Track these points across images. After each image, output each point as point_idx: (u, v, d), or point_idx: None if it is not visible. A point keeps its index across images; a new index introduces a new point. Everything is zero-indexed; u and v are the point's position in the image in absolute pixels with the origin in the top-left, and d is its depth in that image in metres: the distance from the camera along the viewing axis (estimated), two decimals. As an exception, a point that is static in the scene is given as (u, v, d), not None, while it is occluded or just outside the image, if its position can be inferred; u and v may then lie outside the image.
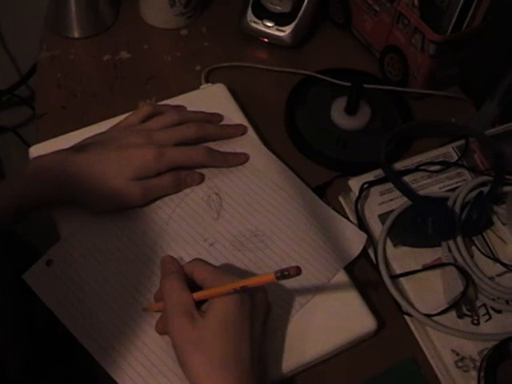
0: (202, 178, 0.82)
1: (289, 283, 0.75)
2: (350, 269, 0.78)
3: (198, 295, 0.66)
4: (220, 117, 0.88)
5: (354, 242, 0.80)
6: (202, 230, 0.79)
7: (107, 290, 0.74)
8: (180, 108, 0.88)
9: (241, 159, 0.84)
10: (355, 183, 0.83)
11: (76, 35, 1.02)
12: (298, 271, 0.60)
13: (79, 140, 0.82)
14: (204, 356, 0.63)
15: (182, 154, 0.81)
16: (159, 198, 0.81)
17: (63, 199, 0.78)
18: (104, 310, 0.73)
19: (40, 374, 0.74)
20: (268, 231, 0.79)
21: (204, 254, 0.77)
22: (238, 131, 0.87)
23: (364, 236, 0.80)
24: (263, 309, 0.70)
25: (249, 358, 0.65)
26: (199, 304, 0.67)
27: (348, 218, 0.83)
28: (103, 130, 0.84)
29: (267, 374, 0.70)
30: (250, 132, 0.87)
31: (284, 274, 0.60)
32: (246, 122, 0.88)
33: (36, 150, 0.84)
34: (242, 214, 0.80)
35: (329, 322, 0.73)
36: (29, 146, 0.85)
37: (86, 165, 0.76)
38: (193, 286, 0.68)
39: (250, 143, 0.86)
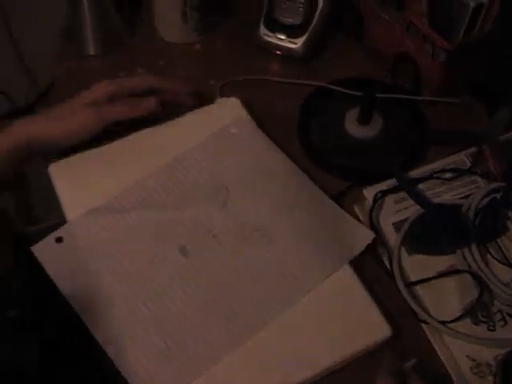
0: (157, 103, 0.88)
1: (288, 281, 0.76)
2: (365, 277, 0.78)
3: None
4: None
5: (359, 239, 0.81)
6: (207, 221, 0.81)
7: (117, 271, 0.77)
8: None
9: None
10: (369, 192, 0.84)
11: (92, 52, 1.04)
12: None
13: (97, 157, 0.86)
14: None
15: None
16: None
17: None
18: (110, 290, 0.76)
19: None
20: (271, 227, 0.80)
21: (206, 244, 0.79)
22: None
23: (371, 234, 0.81)
24: None
25: None
26: None
27: (363, 228, 0.84)
28: (120, 148, 0.87)
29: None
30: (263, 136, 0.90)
31: None
32: (260, 134, 0.89)
33: (55, 168, 0.86)
34: (248, 207, 0.82)
35: (343, 329, 0.74)
36: (46, 159, 0.87)
37: (44, 119, 0.84)
38: None
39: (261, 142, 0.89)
